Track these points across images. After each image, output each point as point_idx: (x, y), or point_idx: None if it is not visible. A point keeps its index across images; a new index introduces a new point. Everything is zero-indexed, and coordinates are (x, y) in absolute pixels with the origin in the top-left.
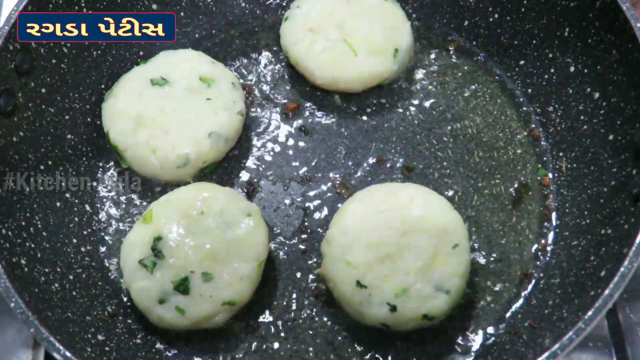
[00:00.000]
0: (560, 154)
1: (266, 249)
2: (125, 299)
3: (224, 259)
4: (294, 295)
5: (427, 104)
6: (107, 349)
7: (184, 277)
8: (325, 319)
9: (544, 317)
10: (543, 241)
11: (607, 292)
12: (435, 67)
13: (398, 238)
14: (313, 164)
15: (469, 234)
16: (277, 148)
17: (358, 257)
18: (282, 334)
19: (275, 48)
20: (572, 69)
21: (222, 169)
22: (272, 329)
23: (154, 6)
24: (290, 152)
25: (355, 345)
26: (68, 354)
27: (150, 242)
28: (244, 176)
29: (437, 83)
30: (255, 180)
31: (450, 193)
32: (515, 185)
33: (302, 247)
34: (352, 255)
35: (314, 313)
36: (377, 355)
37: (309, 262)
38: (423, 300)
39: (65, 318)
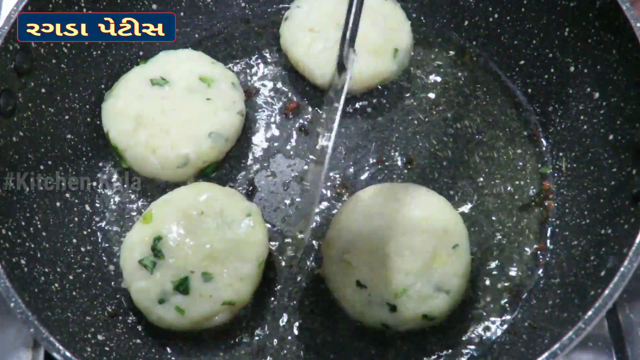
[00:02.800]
0: (560, 154)
1: (266, 249)
2: (125, 299)
3: (224, 259)
4: (294, 296)
5: (427, 104)
6: (107, 349)
7: (183, 277)
8: (325, 318)
9: (544, 317)
10: (543, 241)
11: (607, 292)
12: (435, 67)
13: (398, 238)
14: None
15: (468, 234)
16: (277, 148)
17: (358, 257)
18: (282, 334)
19: (275, 48)
20: (572, 69)
21: (222, 169)
22: (272, 329)
23: (154, 6)
24: (291, 152)
25: (355, 345)
26: (68, 354)
27: (150, 242)
28: (244, 176)
29: (437, 83)
30: (255, 180)
31: (450, 193)
32: (516, 185)
33: None
34: (352, 255)
35: (314, 313)
36: (377, 355)
37: (309, 262)
38: (423, 300)
39: (65, 318)
